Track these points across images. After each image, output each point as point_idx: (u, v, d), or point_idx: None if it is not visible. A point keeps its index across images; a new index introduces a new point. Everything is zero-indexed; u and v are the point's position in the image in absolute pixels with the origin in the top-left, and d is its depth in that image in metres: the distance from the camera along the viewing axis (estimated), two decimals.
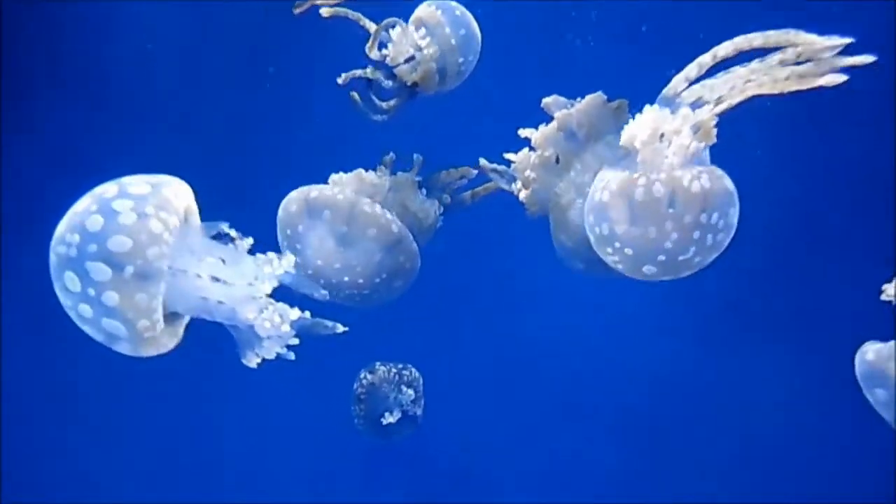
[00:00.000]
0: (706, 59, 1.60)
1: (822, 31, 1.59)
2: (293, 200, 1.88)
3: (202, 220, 1.53)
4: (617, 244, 1.55)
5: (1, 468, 4.02)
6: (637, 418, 4.03)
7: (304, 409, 4.15)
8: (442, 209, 1.96)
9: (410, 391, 2.95)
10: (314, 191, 1.84)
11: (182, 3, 3.89)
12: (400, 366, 3.00)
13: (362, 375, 2.97)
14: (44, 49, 4.01)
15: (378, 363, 2.99)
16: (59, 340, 4.07)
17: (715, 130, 1.62)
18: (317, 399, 3.90)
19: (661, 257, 1.54)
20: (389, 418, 2.92)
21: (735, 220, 1.58)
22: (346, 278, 1.88)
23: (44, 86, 4.02)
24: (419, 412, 2.95)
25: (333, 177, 1.89)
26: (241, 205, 3.99)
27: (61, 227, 1.35)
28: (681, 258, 1.55)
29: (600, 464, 4.05)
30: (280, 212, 1.94)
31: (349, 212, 1.80)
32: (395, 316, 4.02)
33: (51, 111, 4.04)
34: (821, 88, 1.70)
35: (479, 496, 4.13)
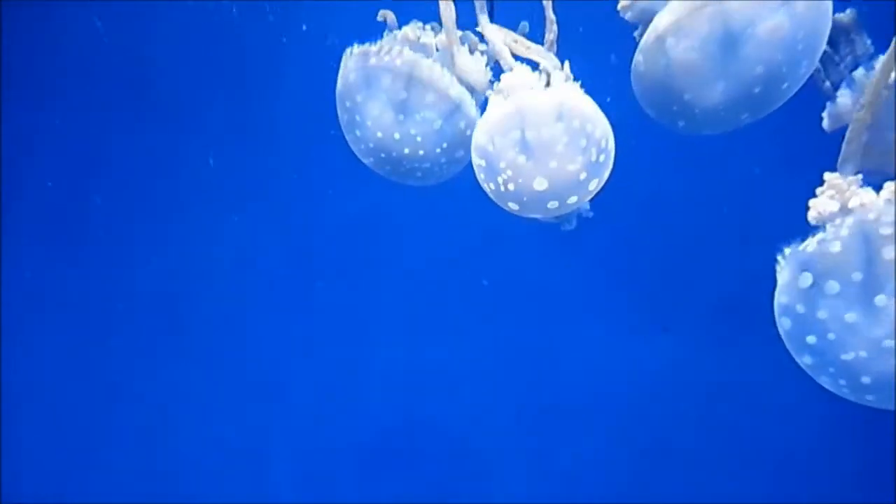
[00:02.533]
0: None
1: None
2: (351, 69, 1.80)
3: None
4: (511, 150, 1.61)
5: (1, 468, 4.01)
6: (636, 418, 4.02)
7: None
8: (490, 63, 1.85)
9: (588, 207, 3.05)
10: (372, 57, 1.76)
11: (181, 3, 3.89)
12: None
13: None
14: (44, 49, 4.01)
15: None
16: (60, 340, 4.08)
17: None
18: None
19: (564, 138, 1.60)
20: (568, 227, 3.04)
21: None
22: (406, 150, 1.81)
23: (44, 86, 4.02)
24: (591, 214, 3.08)
25: (385, 41, 1.79)
26: (244, 202, 4.00)
27: None
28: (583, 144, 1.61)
29: (597, 464, 4.04)
30: (338, 83, 1.85)
31: (408, 77, 1.72)
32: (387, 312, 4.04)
33: (51, 111, 4.03)
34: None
35: (473, 496, 4.12)
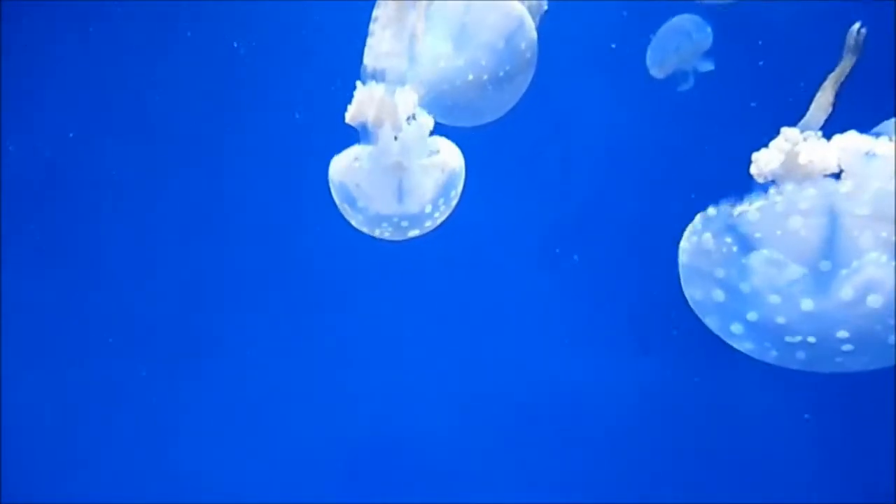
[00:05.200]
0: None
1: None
2: None
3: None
4: None
5: (1, 468, 4.01)
6: (624, 434, 4.00)
7: None
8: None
9: (709, 63, 2.99)
10: None
11: (179, 3, 3.90)
12: (699, 37, 3.02)
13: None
14: (44, 49, 4.02)
15: (676, 46, 3.01)
16: (60, 340, 4.08)
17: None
18: None
19: None
20: (686, 86, 2.98)
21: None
22: (470, 76, 1.79)
23: (43, 85, 4.02)
24: (712, 67, 3.01)
25: None
26: (240, 201, 4.00)
27: None
28: None
29: (583, 479, 4.03)
30: None
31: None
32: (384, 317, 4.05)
33: (51, 111, 4.04)
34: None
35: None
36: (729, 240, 1.31)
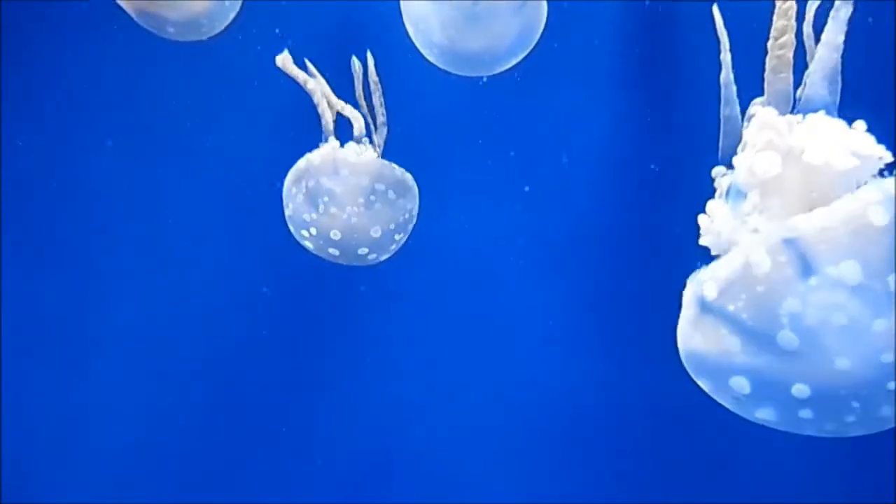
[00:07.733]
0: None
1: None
2: None
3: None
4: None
5: (1, 468, 4.02)
6: (622, 442, 4.00)
7: None
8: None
9: None
10: None
11: None
12: None
13: None
14: (44, 49, 4.02)
15: None
16: (61, 339, 4.09)
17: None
18: None
19: None
20: None
21: None
22: (486, 56, 1.88)
23: (44, 84, 4.03)
24: None
25: None
26: (238, 199, 4.01)
27: None
28: None
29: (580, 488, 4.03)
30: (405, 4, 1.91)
31: None
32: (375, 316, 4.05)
33: (52, 111, 4.05)
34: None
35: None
36: (784, 259, 0.88)
